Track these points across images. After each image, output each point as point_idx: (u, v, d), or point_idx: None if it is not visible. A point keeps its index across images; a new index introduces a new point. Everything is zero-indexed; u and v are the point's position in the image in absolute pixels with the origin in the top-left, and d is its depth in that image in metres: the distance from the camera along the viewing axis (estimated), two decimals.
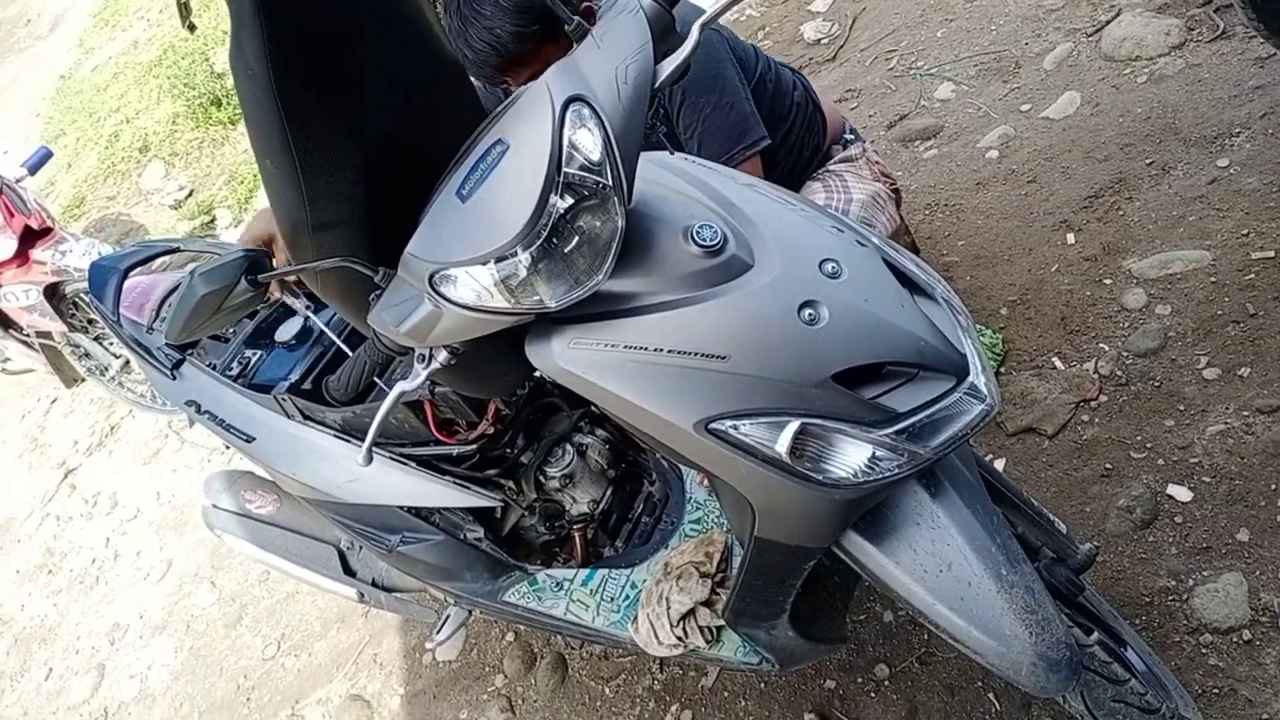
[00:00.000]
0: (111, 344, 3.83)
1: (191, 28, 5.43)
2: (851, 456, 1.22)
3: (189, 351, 2.11)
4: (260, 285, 1.25)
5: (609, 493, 2.03)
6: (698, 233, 1.23)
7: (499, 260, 1.12)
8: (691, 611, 1.79)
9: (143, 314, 2.17)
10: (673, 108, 2.01)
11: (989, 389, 1.26)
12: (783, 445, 1.20)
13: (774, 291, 1.22)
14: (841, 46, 3.67)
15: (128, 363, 3.86)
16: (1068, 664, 1.26)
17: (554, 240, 1.13)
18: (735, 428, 1.21)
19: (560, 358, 1.25)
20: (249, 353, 2.10)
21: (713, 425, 1.21)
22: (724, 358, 1.20)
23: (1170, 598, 1.80)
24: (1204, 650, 1.71)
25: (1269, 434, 1.91)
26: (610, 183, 1.14)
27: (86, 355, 3.89)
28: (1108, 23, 2.95)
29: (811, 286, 1.22)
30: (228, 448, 2.39)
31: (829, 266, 1.25)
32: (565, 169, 1.12)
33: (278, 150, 1.18)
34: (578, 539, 2.05)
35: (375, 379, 1.76)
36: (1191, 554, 1.84)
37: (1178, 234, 2.34)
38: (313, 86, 1.16)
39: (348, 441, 1.91)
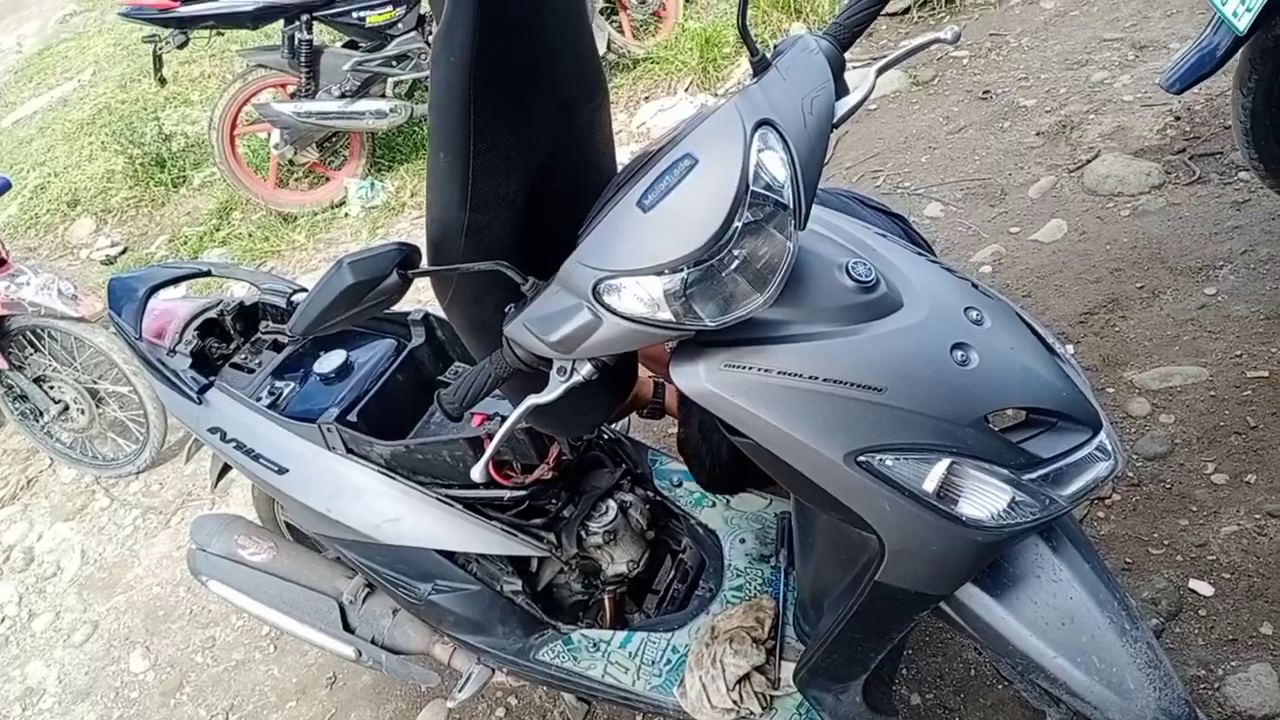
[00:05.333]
0: (52, 387, 3.60)
1: (163, 81, 5.36)
2: (993, 499, 1.23)
3: (216, 378, 2.01)
4: (408, 280, 1.22)
5: (645, 555, 1.99)
6: (852, 268, 1.27)
7: (675, 271, 1.13)
8: (747, 676, 1.74)
9: (164, 338, 2.07)
10: None
11: (1116, 447, 1.30)
12: (932, 481, 1.21)
13: (927, 330, 1.25)
14: (826, 163, 3.85)
15: (66, 409, 3.63)
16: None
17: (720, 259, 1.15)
18: (884, 461, 1.22)
19: (709, 380, 1.24)
20: (280, 384, 2.01)
21: (862, 457, 1.21)
22: (880, 390, 1.21)
23: (1202, 686, 1.84)
24: None
25: None
26: (791, 205, 1.17)
27: (21, 398, 3.64)
28: (1088, 161, 3.19)
29: (961, 329, 1.26)
30: (163, 511, 2.24)
31: (973, 314, 1.29)
32: (751, 187, 1.14)
33: (457, 142, 1.17)
34: (608, 601, 1.99)
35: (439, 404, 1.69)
36: (1218, 645, 1.90)
37: (1174, 351, 2.49)
38: (506, 84, 1.17)
39: (392, 478, 1.83)
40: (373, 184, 5.20)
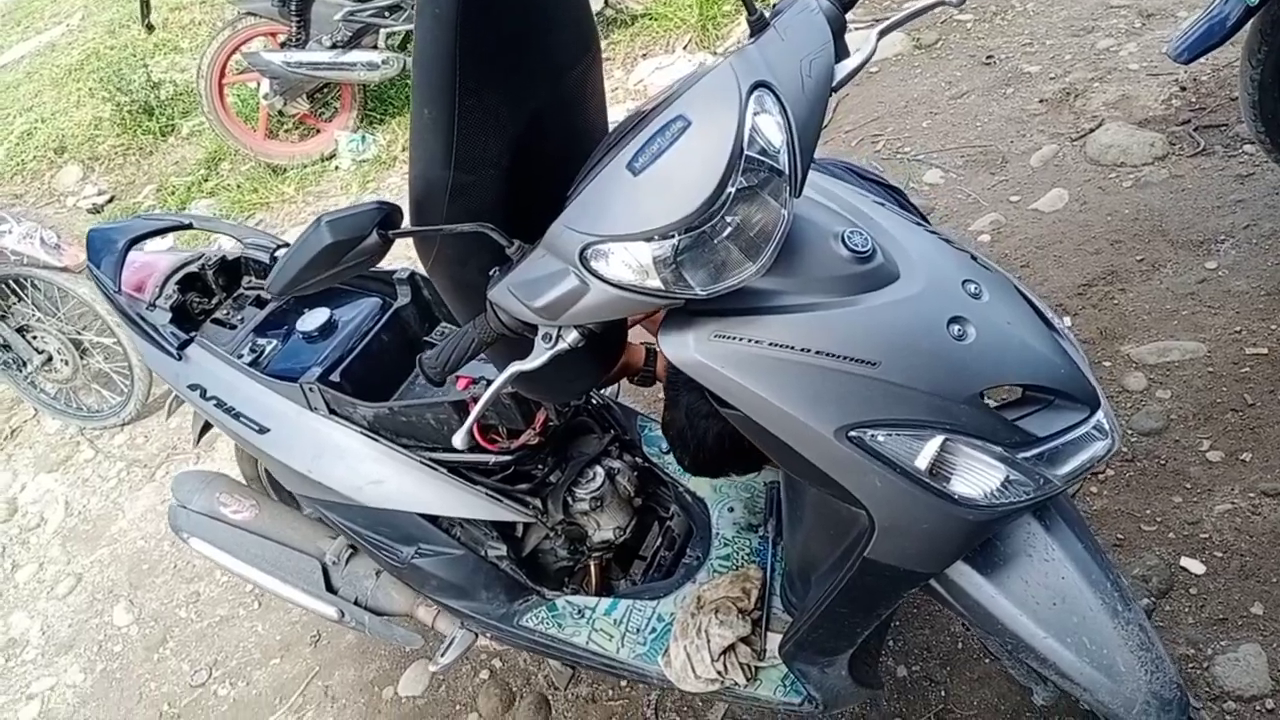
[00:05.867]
0: (35, 337, 3.55)
1: (150, 28, 5.26)
2: (986, 477, 1.21)
3: (196, 333, 1.97)
4: (388, 241, 1.18)
5: (632, 522, 1.96)
6: (848, 238, 1.23)
7: (665, 238, 1.09)
8: (732, 646, 1.73)
9: (143, 291, 2.02)
10: None
11: (1113, 425, 1.27)
12: (925, 458, 1.18)
13: (923, 303, 1.21)
14: (825, 126, 3.78)
15: (49, 359, 3.58)
16: (1178, 704, 1.26)
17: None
18: (875, 436, 1.19)
19: (698, 350, 1.20)
20: (261, 341, 1.97)
21: (853, 432, 1.18)
22: (874, 364, 1.17)
23: (1191, 665, 1.83)
24: (1228, 716, 1.75)
25: (1276, 515, 1.99)
26: (786, 171, 1.13)
27: (4, 347, 3.59)
28: (1091, 130, 3.14)
29: (958, 303, 1.22)
30: (139, 463, 2.21)
31: (971, 287, 1.25)
32: (746, 151, 1.10)
33: (441, 99, 1.13)
34: (594, 567, 1.97)
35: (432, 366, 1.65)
36: (1209, 624, 1.89)
37: (1172, 325, 2.46)
38: (493, 38, 1.12)
39: (375, 440, 1.80)
40: (364, 137, 5.12)
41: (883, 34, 1.28)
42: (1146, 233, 2.73)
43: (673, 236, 1.09)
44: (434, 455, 1.80)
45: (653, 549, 2.02)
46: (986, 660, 1.97)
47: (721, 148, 1.08)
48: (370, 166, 5.01)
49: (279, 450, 1.83)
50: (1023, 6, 4.04)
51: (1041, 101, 3.42)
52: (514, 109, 1.21)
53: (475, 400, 1.70)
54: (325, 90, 5.23)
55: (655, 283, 1.12)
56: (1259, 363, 2.28)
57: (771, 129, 1.13)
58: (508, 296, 1.21)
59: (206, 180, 5.31)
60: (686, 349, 1.21)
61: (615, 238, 1.11)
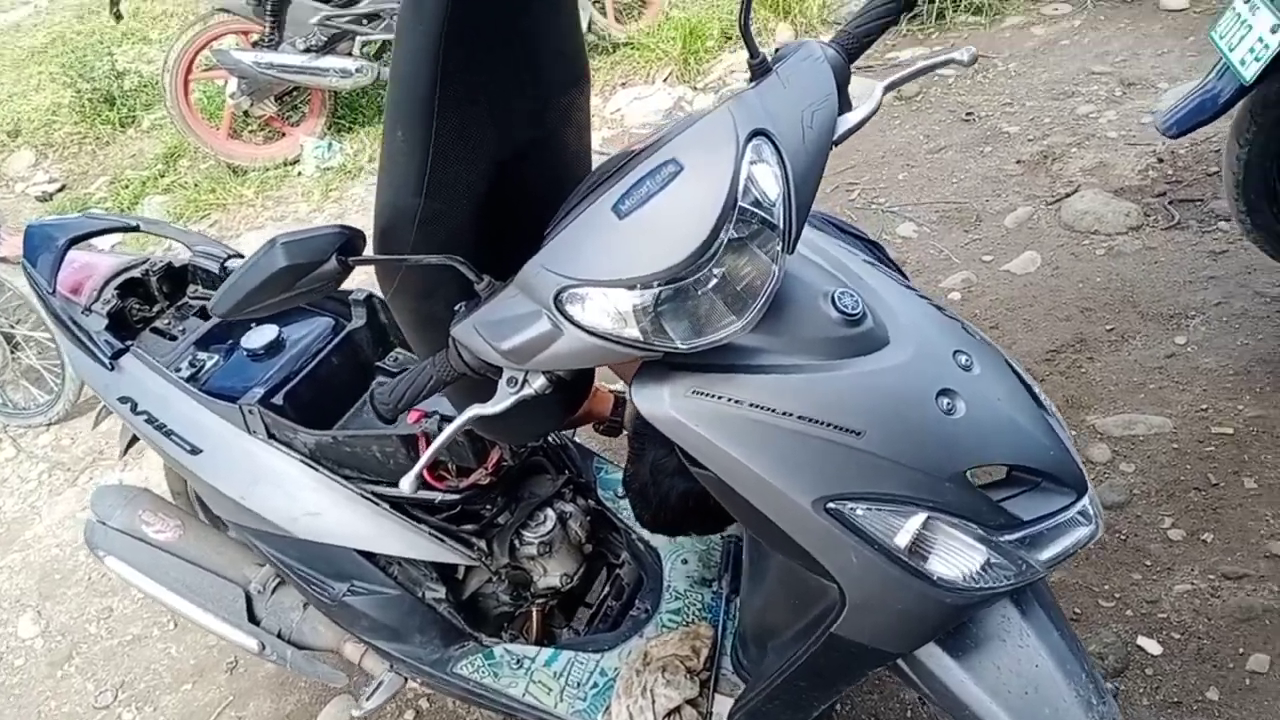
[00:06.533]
0: None
1: (118, 15, 5.14)
2: (966, 559, 1.14)
3: (133, 342, 1.85)
4: (348, 268, 1.08)
5: (580, 569, 1.87)
6: (838, 298, 1.16)
7: (646, 287, 1.01)
8: (678, 709, 1.64)
9: (80, 294, 1.89)
10: None
11: (1098, 511, 1.21)
12: (905, 537, 1.11)
13: (913, 373, 1.14)
14: None
15: None
16: None
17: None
18: (855, 510, 1.12)
19: (673, 405, 1.13)
20: (202, 355, 1.85)
21: (832, 504, 1.11)
22: (858, 433, 1.10)
23: None
24: None
25: (1235, 599, 1.96)
26: (780, 225, 1.06)
27: None
28: (1067, 195, 3.13)
29: (948, 374, 1.16)
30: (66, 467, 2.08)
31: (961, 358, 1.19)
32: (740, 202, 1.03)
33: (417, 120, 1.05)
34: (536, 614, 1.88)
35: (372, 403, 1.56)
36: (1163, 708, 1.84)
37: (1139, 399, 2.43)
38: (477, 59, 1.05)
39: (315, 469, 1.69)
40: (330, 144, 5.00)
41: (889, 89, 1.22)
42: (1117, 302, 2.72)
43: (655, 286, 1.01)
44: (376, 489, 1.69)
45: (599, 598, 1.93)
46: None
47: (714, 196, 1.02)
48: (335, 175, 4.89)
49: (211, 474, 1.72)
50: (1005, 66, 4.06)
51: (1019, 162, 3.41)
52: (494, 137, 1.13)
53: (425, 436, 1.62)
54: (294, 94, 5.11)
55: (634, 332, 1.04)
56: (1224, 443, 2.26)
57: (768, 180, 1.06)
58: (473, 335, 1.13)
59: (163, 176, 5.16)
60: (661, 404, 1.13)
61: (595, 282, 1.03)
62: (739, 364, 1.12)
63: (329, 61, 4.58)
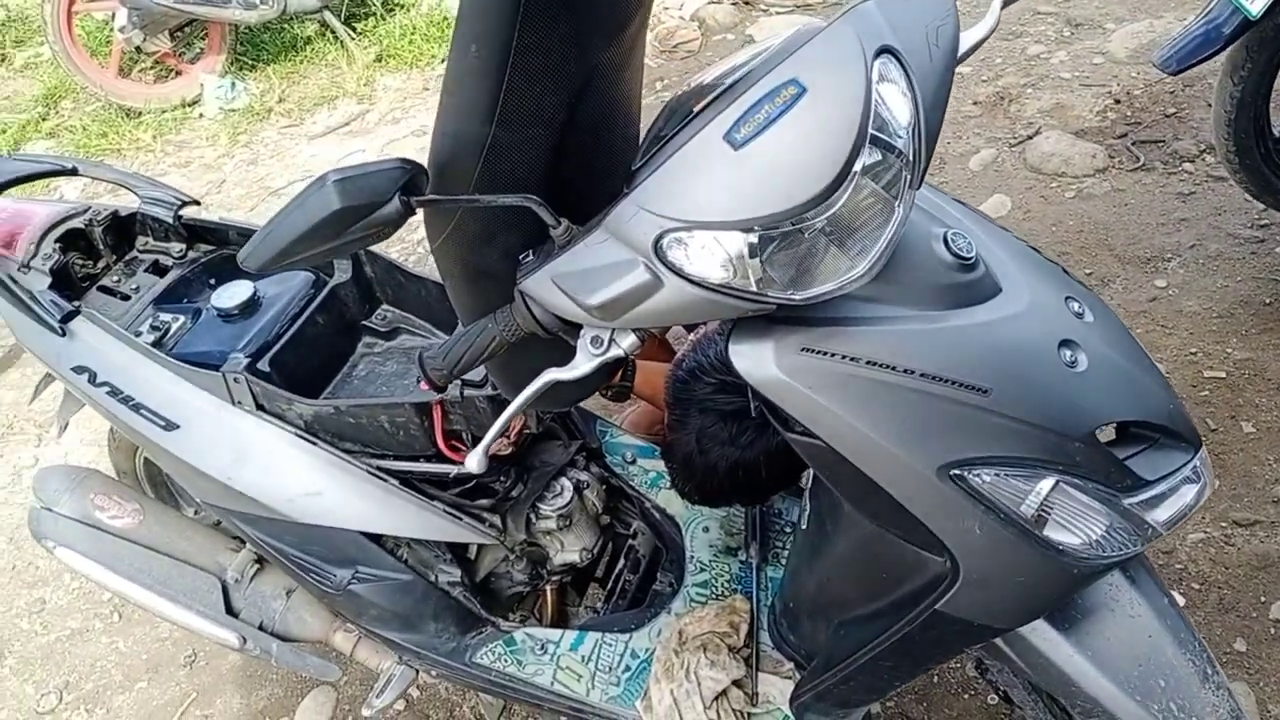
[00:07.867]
0: None
1: None
2: (1091, 525, 1.05)
3: (80, 303, 1.61)
4: (410, 210, 0.92)
5: (598, 542, 1.74)
6: (951, 240, 1.05)
7: (768, 229, 0.89)
8: (724, 690, 1.53)
9: (14, 248, 1.64)
10: None
11: (1208, 468, 1.15)
12: (1032, 504, 1.02)
13: (1031, 323, 1.04)
14: None
15: None
16: None
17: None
18: (982, 476, 1.01)
19: (779, 365, 1.00)
20: (166, 317, 1.63)
21: (956, 470, 1.01)
22: (985, 391, 1.00)
23: None
24: None
25: (1249, 546, 1.96)
26: (909, 156, 0.94)
27: None
28: (1030, 137, 3.10)
29: (1066, 324, 1.07)
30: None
31: (1074, 305, 1.10)
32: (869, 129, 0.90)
33: (497, 33, 0.89)
34: (549, 594, 1.74)
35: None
36: None
37: None
38: None
39: (313, 444, 1.51)
40: (234, 83, 4.64)
41: (1007, 2, 1.10)
42: (1093, 245, 2.70)
43: (782, 227, 0.88)
44: (382, 464, 1.52)
45: (615, 572, 1.80)
46: (965, 696, 1.85)
47: (846, 122, 0.88)
48: (240, 117, 4.54)
49: (190, 452, 1.52)
50: None
51: (975, 104, 3.36)
52: (575, 55, 0.97)
53: (442, 405, 1.46)
54: (190, 27, 4.70)
55: (749, 283, 0.91)
56: (1218, 386, 2.26)
57: (898, 102, 0.94)
58: (550, 289, 0.98)
59: (45, 120, 4.71)
60: (765, 364, 1.00)
61: (707, 224, 0.89)
62: (850, 316, 1.00)
63: None
